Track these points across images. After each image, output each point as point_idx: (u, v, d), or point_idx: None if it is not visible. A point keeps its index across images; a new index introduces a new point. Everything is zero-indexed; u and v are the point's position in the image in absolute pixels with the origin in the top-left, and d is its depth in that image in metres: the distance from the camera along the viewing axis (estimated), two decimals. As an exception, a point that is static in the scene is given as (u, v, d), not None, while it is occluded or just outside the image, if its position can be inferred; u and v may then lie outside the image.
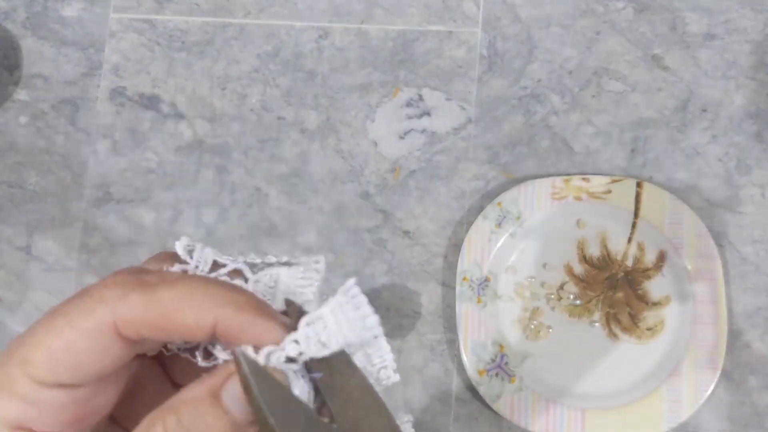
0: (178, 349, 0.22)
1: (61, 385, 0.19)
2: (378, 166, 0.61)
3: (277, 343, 0.20)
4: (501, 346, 0.57)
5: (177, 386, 0.23)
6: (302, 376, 0.20)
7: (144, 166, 0.63)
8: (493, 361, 0.57)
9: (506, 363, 0.57)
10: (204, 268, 0.22)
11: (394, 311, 0.59)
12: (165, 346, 0.22)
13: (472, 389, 0.57)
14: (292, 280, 0.23)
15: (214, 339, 0.20)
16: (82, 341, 0.19)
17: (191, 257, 0.22)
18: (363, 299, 0.22)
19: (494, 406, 0.56)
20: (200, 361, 0.22)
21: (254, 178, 0.62)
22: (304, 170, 0.62)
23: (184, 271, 0.22)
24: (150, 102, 0.64)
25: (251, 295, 0.21)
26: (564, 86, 0.61)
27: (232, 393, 0.19)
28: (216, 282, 0.20)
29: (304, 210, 0.61)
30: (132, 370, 0.22)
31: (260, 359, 0.20)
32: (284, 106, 0.63)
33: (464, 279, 0.58)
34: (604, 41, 0.61)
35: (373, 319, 0.21)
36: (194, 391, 0.20)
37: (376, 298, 0.59)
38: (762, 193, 0.58)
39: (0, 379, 0.19)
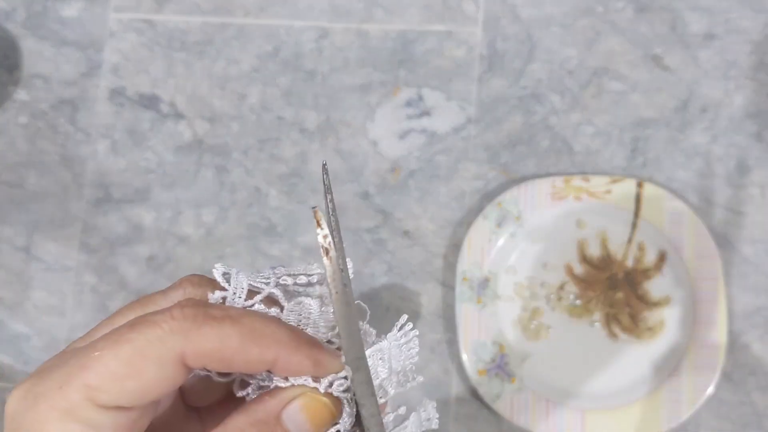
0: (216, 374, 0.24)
1: (120, 408, 0.20)
2: (378, 166, 0.61)
3: (336, 371, 0.22)
4: (501, 346, 0.57)
5: (188, 406, 0.25)
6: (350, 406, 0.22)
7: (144, 166, 0.63)
8: (493, 361, 0.57)
9: (506, 363, 0.57)
10: (241, 295, 0.23)
11: (394, 311, 0.59)
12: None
13: (471, 389, 0.57)
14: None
15: (268, 371, 0.22)
16: (150, 369, 0.20)
17: (228, 283, 0.23)
18: (415, 332, 0.24)
19: (494, 406, 0.56)
20: (236, 390, 0.23)
21: (254, 178, 0.62)
22: (304, 170, 0.62)
23: (224, 298, 0.23)
24: (150, 102, 0.64)
25: (305, 333, 0.23)
26: (564, 86, 0.61)
27: (293, 416, 0.22)
28: (274, 320, 0.22)
29: (304, 210, 0.61)
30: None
31: (321, 388, 0.22)
32: (284, 106, 0.63)
33: (464, 279, 0.58)
34: (604, 41, 0.61)
35: (417, 351, 0.24)
36: (258, 414, 0.22)
37: (375, 297, 0.59)
38: (762, 193, 0.58)
39: (61, 404, 0.19)
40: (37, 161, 0.64)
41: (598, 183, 0.58)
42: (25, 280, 0.62)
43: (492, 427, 0.57)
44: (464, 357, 0.57)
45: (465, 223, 0.60)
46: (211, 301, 0.23)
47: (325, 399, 0.22)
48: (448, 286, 0.59)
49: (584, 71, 0.61)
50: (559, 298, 0.58)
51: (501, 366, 0.57)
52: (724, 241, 0.58)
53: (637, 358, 0.56)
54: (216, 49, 0.64)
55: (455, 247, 0.59)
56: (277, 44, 0.64)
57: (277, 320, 0.22)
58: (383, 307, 0.59)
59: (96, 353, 0.20)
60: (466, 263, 0.58)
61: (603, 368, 0.56)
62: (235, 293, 0.23)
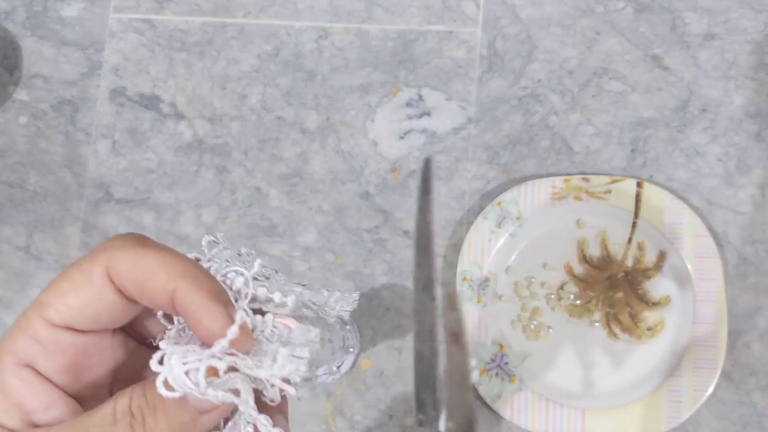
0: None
1: (68, 328, 0.22)
2: (378, 166, 0.61)
3: (218, 331, 0.21)
4: (501, 346, 0.57)
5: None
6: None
7: (144, 166, 0.63)
8: (493, 361, 0.57)
9: (506, 363, 0.57)
10: (214, 263, 0.24)
11: (394, 311, 0.59)
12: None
13: (472, 389, 0.57)
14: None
15: (173, 309, 0.22)
16: (86, 286, 0.22)
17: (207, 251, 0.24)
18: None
19: (494, 406, 0.56)
20: (161, 319, 0.24)
21: (254, 178, 0.62)
22: (304, 170, 0.62)
23: (197, 259, 0.24)
24: (150, 102, 0.64)
25: (215, 280, 0.23)
26: (564, 86, 0.61)
27: None
28: (194, 262, 0.23)
29: (304, 210, 0.61)
30: (128, 348, 0.25)
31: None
32: (284, 106, 0.63)
33: (464, 279, 0.58)
34: (604, 41, 0.61)
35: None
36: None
37: (375, 297, 0.59)
38: (762, 193, 0.58)
39: (20, 321, 0.22)
40: (37, 161, 0.64)
41: (598, 183, 0.58)
42: (24, 279, 0.62)
43: (492, 427, 0.57)
44: (464, 357, 0.57)
45: (465, 223, 0.60)
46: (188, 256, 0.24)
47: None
48: (448, 286, 0.59)
49: (584, 71, 0.61)
50: (559, 298, 0.58)
51: (501, 366, 0.57)
52: (724, 241, 0.58)
53: (637, 358, 0.56)
54: (216, 50, 0.64)
55: (455, 247, 0.60)
56: (278, 44, 0.64)
57: (196, 263, 0.23)
58: (383, 307, 0.59)
59: (55, 278, 0.22)
60: (466, 263, 0.58)
61: (603, 368, 0.56)
62: (210, 260, 0.24)
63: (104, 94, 0.64)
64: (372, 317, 0.59)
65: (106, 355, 0.23)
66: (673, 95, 0.60)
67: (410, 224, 0.60)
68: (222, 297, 0.22)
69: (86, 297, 0.22)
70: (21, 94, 0.65)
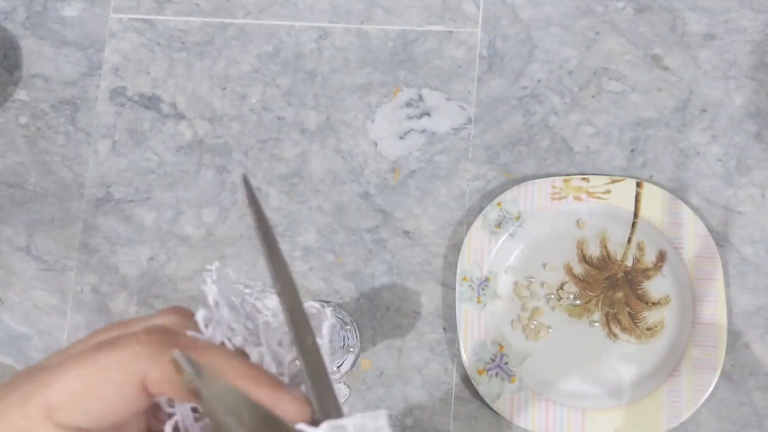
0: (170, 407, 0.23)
1: (79, 429, 0.20)
2: (378, 166, 0.61)
3: (297, 420, 0.21)
4: (501, 346, 0.57)
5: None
6: None
7: (144, 166, 0.63)
8: (493, 360, 0.57)
9: (506, 363, 0.57)
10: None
11: (394, 311, 0.59)
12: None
13: (471, 389, 0.57)
14: None
15: None
16: (110, 392, 0.20)
17: (207, 328, 0.22)
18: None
19: (494, 406, 0.56)
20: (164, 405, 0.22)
21: (254, 178, 0.62)
22: (304, 170, 0.62)
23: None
24: (150, 102, 0.64)
25: (269, 372, 0.21)
26: (564, 86, 0.61)
27: None
28: (238, 356, 0.21)
29: (304, 210, 0.61)
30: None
31: None
32: (284, 106, 0.63)
33: (464, 279, 0.58)
34: (604, 41, 0.61)
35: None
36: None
37: (375, 297, 0.59)
38: (762, 193, 0.58)
39: (20, 421, 0.19)
40: (37, 161, 0.64)
41: (598, 183, 0.58)
42: (25, 280, 0.62)
43: (492, 427, 0.57)
44: (464, 357, 0.57)
45: (465, 223, 0.60)
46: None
47: None
48: (448, 286, 0.59)
49: (584, 71, 0.61)
50: (559, 298, 0.58)
51: (501, 366, 0.57)
52: (724, 241, 0.58)
53: (637, 358, 0.56)
54: (216, 50, 0.64)
55: (455, 247, 0.60)
56: (278, 44, 0.64)
57: (240, 356, 0.22)
58: (383, 307, 0.59)
59: (59, 371, 0.20)
60: (466, 263, 0.58)
61: (603, 368, 0.56)
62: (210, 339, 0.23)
63: (104, 94, 0.64)
64: (372, 317, 0.59)
65: None
66: (673, 95, 0.60)
67: (410, 224, 0.60)
68: (279, 384, 0.21)
69: (110, 404, 0.20)
70: (21, 94, 0.65)
